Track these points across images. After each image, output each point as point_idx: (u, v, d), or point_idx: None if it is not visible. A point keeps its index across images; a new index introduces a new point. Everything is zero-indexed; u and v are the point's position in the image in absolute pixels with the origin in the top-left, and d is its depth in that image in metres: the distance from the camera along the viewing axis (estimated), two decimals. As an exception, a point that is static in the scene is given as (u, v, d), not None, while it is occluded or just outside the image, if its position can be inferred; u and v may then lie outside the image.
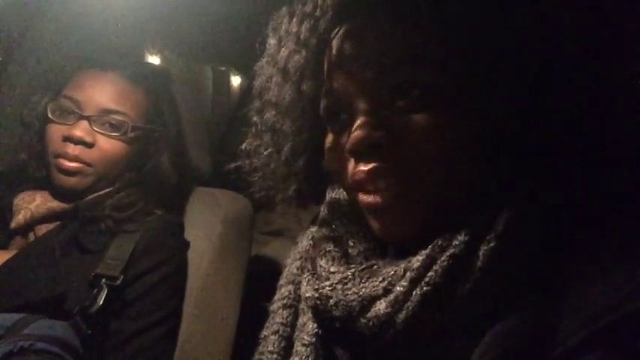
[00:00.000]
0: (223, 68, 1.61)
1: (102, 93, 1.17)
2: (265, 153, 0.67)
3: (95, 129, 1.15)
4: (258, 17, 0.68)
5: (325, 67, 0.58)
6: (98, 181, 1.18)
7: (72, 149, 1.14)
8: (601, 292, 0.44)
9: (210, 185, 1.40)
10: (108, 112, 1.16)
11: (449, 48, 0.51)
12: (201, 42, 1.52)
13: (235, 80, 1.66)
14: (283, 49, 0.61)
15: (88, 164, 1.15)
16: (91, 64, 1.22)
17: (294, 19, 0.60)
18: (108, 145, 1.17)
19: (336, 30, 0.56)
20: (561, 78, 0.50)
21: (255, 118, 0.69)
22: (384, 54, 0.52)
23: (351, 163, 0.55)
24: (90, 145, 1.15)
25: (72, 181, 1.15)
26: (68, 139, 1.14)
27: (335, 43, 0.56)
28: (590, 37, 0.51)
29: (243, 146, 0.71)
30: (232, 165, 0.72)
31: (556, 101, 0.50)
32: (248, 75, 0.72)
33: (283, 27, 0.62)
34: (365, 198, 0.55)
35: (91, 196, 1.18)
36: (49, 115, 1.16)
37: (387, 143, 0.52)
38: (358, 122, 0.53)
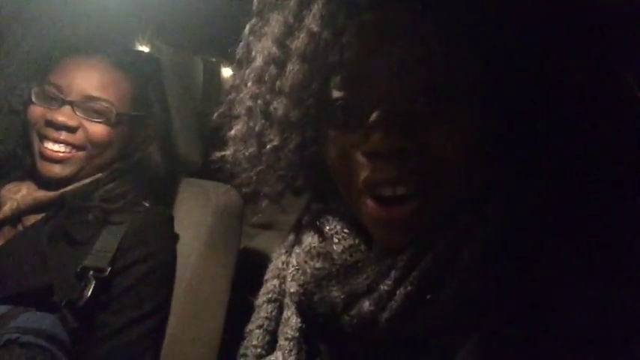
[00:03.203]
0: (214, 59, 1.59)
1: (85, 79, 1.16)
2: (267, 148, 0.60)
3: (78, 114, 1.14)
4: (250, 8, 0.67)
5: (347, 55, 0.52)
6: (83, 168, 1.17)
7: (55, 134, 1.13)
8: (589, 296, 0.44)
9: (201, 177, 1.39)
10: (91, 98, 1.15)
11: (473, 49, 0.49)
12: (192, 32, 1.50)
13: (226, 72, 1.64)
14: (301, 31, 0.54)
15: (74, 146, 1.14)
16: (76, 50, 1.20)
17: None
18: (92, 128, 1.15)
19: (365, 13, 0.51)
20: (568, 84, 0.49)
21: (249, 103, 0.61)
22: (412, 44, 0.48)
23: (366, 165, 0.52)
24: (73, 130, 1.14)
25: (56, 168, 1.14)
26: (50, 123, 1.13)
27: (359, 33, 0.51)
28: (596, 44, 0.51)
29: (232, 133, 0.64)
30: (219, 153, 0.68)
31: (559, 107, 0.49)
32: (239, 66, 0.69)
33: (296, 3, 0.55)
34: (379, 211, 0.52)
35: (76, 185, 1.17)
36: (33, 99, 1.15)
37: (411, 148, 0.49)
38: (380, 123, 0.49)
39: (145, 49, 1.45)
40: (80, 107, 1.14)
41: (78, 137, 1.14)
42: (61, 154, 1.14)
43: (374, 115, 0.50)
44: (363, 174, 0.52)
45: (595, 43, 0.50)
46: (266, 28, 0.59)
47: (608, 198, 0.49)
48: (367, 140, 0.50)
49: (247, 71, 0.61)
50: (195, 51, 1.52)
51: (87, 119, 1.15)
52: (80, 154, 1.15)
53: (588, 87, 0.50)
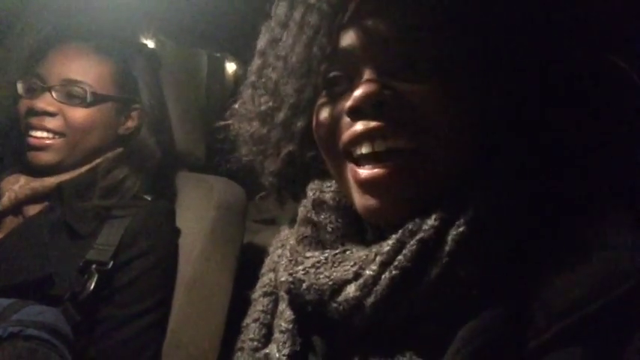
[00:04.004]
0: (218, 55, 1.60)
1: (64, 64, 1.17)
2: (263, 109, 0.65)
3: (57, 99, 1.15)
4: (254, 4, 0.67)
5: (340, 25, 0.56)
6: (69, 154, 1.17)
7: (36, 121, 1.14)
8: (574, 285, 0.44)
9: (205, 172, 1.39)
10: (69, 82, 1.16)
11: (465, 23, 0.51)
12: (196, 27, 1.50)
13: (230, 67, 1.65)
14: (301, 5, 0.59)
15: (55, 132, 1.15)
16: (59, 40, 1.21)
17: None
18: (72, 113, 1.16)
19: None
20: (557, 72, 0.50)
21: (252, 78, 0.67)
22: (401, 17, 0.52)
23: (348, 125, 0.55)
24: (53, 115, 1.14)
25: (43, 156, 1.14)
26: (32, 111, 1.14)
27: (352, 4, 0.55)
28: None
29: (235, 106, 0.69)
30: (221, 123, 0.71)
31: (548, 94, 0.50)
32: (243, 62, 0.72)
33: None
34: (360, 172, 0.54)
35: (72, 174, 1.17)
36: (20, 93, 1.17)
37: (392, 103, 0.51)
38: (364, 82, 0.53)
39: (150, 43, 1.45)
40: (59, 92, 1.15)
41: (58, 123, 1.15)
42: (45, 141, 1.14)
43: (359, 80, 0.53)
44: (345, 134, 0.55)
45: (592, 29, 0.50)
46: (273, 19, 0.64)
47: (599, 183, 0.49)
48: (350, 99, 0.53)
49: (255, 51, 0.67)
50: (200, 46, 1.52)
51: (66, 104, 1.15)
52: (61, 140, 1.15)
53: (582, 72, 0.50)
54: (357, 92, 0.52)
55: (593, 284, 0.43)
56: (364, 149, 0.53)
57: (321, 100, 0.59)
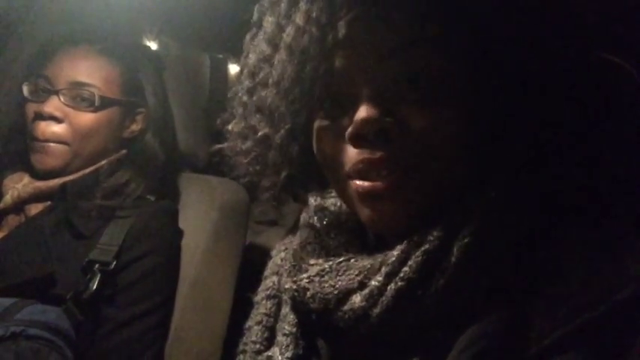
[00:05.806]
0: (221, 56, 1.60)
1: (71, 66, 1.16)
2: (259, 135, 0.63)
3: (65, 103, 1.14)
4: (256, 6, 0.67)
5: (331, 47, 0.54)
6: (75, 158, 1.17)
7: (43, 126, 1.13)
8: (576, 290, 0.44)
9: (208, 173, 1.40)
10: (77, 84, 1.15)
11: (456, 39, 0.50)
12: (199, 29, 1.51)
13: (233, 68, 1.65)
14: (289, 26, 0.57)
15: (61, 142, 1.15)
16: (66, 42, 1.21)
17: None
18: (78, 118, 1.15)
19: (349, 11, 0.53)
20: (556, 83, 0.50)
21: (244, 98, 0.65)
22: (396, 35, 0.50)
23: (350, 150, 0.53)
24: (60, 120, 1.14)
25: (47, 160, 1.14)
26: (39, 115, 1.14)
27: (345, 23, 0.53)
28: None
29: (229, 127, 0.68)
30: (217, 146, 0.71)
31: (547, 103, 0.50)
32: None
33: (286, 4, 0.58)
34: (362, 185, 0.53)
35: (76, 175, 1.17)
36: (26, 95, 1.17)
37: (394, 131, 0.50)
38: (364, 107, 0.51)
39: (153, 44, 1.46)
40: (67, 95, 1.15)
41: (63, 129, 1.15)
42: (51, 145, 1.14)
43: (358, 102, 0.52)
44: (349, 161, 0.53)
45: (589, 34, 0.51)
46: (261, 32, 0.62)
47: (599, 187, 0.49)
48: (351, 125, 0.52)
49: (244, 69, 0.64)
50: (203, 47, 1.53)
51: (73, 108, 1.15)
52: (65, 146, 1.15)
53: (578, 78, 0.50)
54: (357, 117, 0.50)
55: (595, 290, 0.43)
56: (370, 176, 0.52)
57: (320, 123, 0.57)
